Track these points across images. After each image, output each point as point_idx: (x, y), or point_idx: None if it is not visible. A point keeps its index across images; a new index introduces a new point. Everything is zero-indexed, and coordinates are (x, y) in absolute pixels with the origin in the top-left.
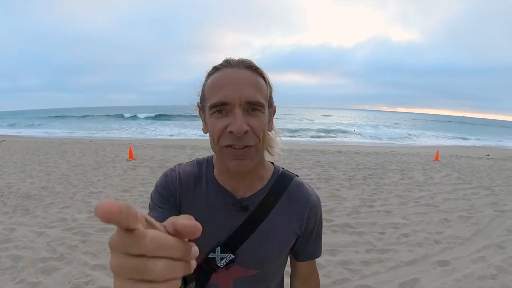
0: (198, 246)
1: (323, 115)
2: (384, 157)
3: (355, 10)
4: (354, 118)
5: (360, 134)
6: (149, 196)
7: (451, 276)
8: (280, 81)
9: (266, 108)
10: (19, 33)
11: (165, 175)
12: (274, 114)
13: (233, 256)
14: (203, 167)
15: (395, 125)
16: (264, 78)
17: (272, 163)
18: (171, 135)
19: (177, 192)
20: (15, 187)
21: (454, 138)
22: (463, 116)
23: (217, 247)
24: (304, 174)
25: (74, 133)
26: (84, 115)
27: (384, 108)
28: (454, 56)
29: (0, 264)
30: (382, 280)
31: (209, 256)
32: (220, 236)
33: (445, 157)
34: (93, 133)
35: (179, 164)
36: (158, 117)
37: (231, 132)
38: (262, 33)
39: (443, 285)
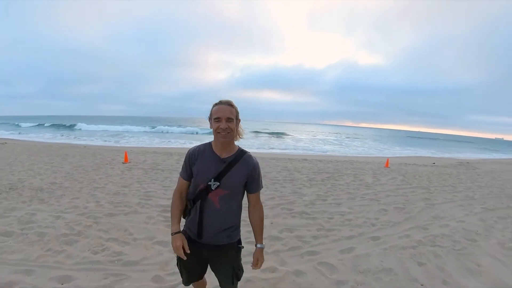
0: (203, 177)
1: (296, 130)
2: (342, 164)
3: (327, 36)
4: (324, 132)
5: (326, 150)
6: (145, 191)
7: (380, 246)
8: (258, 97)
9: (235, 120)
10: (16, 42)
11: (188, 152)
12: (239, 122)
13: (218, 183)
14: (208, 144)
15: (358, 139)
16: (234, 107)
17: (238, 146)
18: (159, 144)
19: (191, 159)
20: (27, 182)
21: (408, 149)
22: (419, 131)
23: (212, 178)
24: (273, 177)
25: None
26: (74, 123)
27: (349, 124)
28: (412, 78)
29: (28, 239)
30: (326, 248)
31: (208, 183)
32: (213, 174)
33: (394, 165)
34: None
35: (197, 145)
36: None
37: (221, 128)
38: (243, 54)
39: (373, 252)
